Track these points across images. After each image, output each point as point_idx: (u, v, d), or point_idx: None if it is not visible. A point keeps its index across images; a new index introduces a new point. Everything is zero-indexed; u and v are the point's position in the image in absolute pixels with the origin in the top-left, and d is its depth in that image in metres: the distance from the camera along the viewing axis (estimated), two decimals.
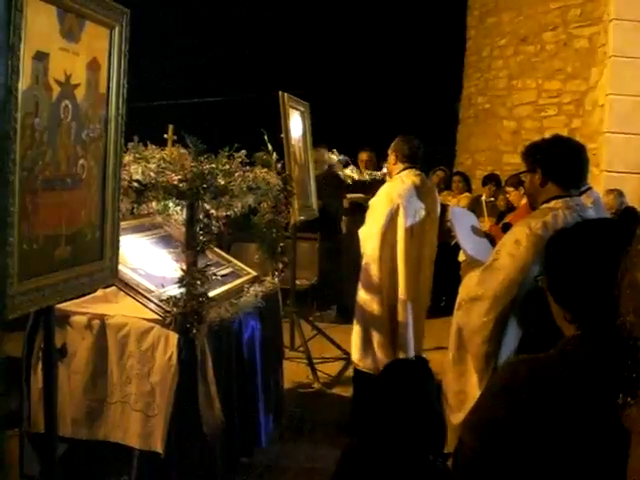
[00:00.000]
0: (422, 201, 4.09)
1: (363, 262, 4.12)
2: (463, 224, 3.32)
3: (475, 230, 3.40)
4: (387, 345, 4.05)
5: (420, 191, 4.10)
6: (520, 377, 1.42)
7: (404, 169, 4.15)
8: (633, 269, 1.14)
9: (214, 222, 3.07)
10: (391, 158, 4.25)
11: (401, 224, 3.99)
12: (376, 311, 4.04)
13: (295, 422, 4.13)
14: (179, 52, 10.95)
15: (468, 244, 3.14)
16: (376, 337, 4.06)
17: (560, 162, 2.60)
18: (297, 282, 5.79)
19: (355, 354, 4.16)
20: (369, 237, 4.07)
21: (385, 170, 6.11)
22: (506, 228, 4.08)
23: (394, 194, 4.03)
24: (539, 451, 1.35)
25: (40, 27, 1.92)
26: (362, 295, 4.11)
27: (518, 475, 1.40)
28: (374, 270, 4.02)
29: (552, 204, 2.57)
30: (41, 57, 1.95)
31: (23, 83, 1.85)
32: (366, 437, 1.95)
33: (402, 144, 4.19)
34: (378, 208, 4.06)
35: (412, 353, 4.02)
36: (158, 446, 2.82)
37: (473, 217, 3.75)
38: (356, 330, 4.15)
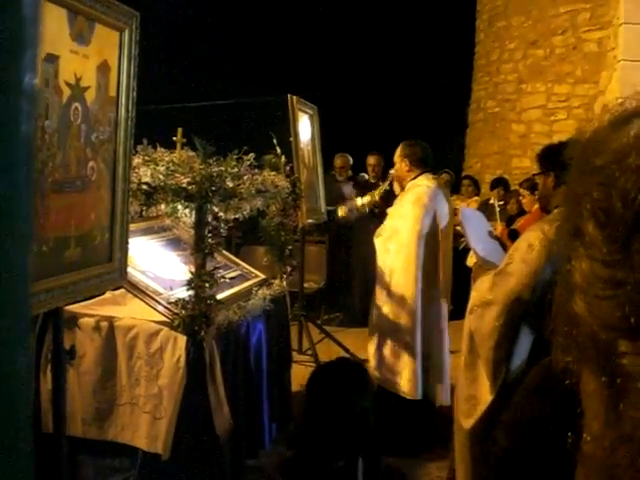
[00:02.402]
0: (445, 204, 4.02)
1: (387, 274, 3.89)
2: (474, 225, 3.28)
3: (486, 231, 3.36)
4: (417, 354, 3.83)
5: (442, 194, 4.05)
6: (552, 377, 1.42)
7: (421, 173, 4.00)
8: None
9: (223, 225, 3.07)
10: (402, 165, 4.05)
11: (440, 228, 3.89)
12: (407, 322, 3.82)
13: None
14: (188, 55, 10.99)
15: (479, 245, 3.09)
16: (407, 348, 3.82)
17: None
18: (305, 285, 5.77)
19: (378, 370, 3.89)
20: (400, 246, 3.86)
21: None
22: (513, 235, 4.03)
23: (425, 199, 3.87)
24: (563, 453, 1.34)
25: (50, 30, 1.93)
26: (389, 307, 3.87)
27: (547, 477, 1.39)
28: (408, 279, 3.82)
29: None
30: (51, 60, 1.96)
31: None
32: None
33: (412, 149, 4.04)
34: (410, 216, 3.86)
35: (448, 359, 3.92)
36: (163, 448, 2.82)
37: (483, 218, 3.67)
38: (378, 343, 3.91)
